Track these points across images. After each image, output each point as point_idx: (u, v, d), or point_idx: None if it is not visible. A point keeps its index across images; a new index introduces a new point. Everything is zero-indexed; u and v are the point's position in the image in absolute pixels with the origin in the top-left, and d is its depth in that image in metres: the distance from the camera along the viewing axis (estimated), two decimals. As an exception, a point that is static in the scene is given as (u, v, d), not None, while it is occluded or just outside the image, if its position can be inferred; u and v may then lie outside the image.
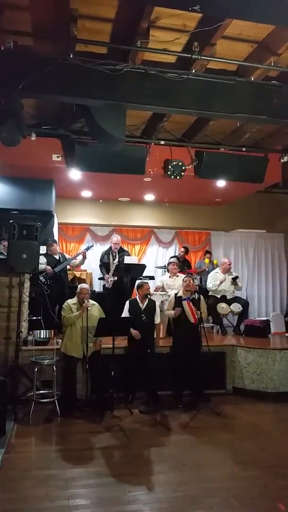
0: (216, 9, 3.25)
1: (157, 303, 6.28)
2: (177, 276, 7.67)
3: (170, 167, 6.37)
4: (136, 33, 3.98)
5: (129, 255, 8.34)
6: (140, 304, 5.97)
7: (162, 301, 6.86)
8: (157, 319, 6.08)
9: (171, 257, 9.10)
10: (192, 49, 4.11)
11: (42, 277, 6.99)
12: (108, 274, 7.74)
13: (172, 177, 6.37)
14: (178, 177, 6.40)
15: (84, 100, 4.49)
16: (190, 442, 4.64)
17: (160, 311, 6.33)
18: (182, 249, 9.57)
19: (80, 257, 7.51)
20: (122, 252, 7.96)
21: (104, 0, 3.68)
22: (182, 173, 6.40)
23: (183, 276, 7.51)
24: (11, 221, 5.55)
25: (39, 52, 4.22)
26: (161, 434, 4.86)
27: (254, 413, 5.62)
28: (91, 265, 8.98)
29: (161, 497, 3.51)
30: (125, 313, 5.99)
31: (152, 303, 6.05)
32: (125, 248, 9.93)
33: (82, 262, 7.72)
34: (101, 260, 7.96)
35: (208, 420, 5.27)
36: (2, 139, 4.54)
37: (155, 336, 6.04)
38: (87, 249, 7.93)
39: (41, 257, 6.87)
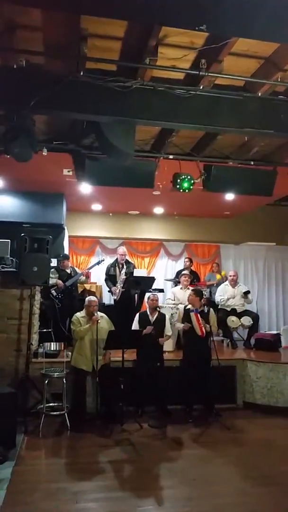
0: (222, 28, 3.33)
1: (167, 316, 6.29)
2: (188, 288, 7.69)
3: (178, 181, 6.40)
4: (144, 50, 4.06)
5: (135, 267, 8.40)
6: (150, 317, 5.98)
7: (172, 314, 6.86)
8: (168, 333, 6.08)
9: (183, 270, 9.09)
10: (200, 66, 4.19)
11: (53, 291, 7.05)
12: (115, 286, 7.77)
13: (181, 190, 6.41)
14: (187, 191, 6.43)
15: (94, 116, 4.58)
16: (200, 457, 4.60)
17: (170, 324, 6.33)
18: (187, 259, 9.56)
19: (83, 277, 7.58)
20: (128, 264, 8.01)
21: (114, 20, 3.77)
22: (191, 187, 6.43)
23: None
24: (22, 234, 5.63)
25: (50, 70, 4.33)
26: (170, 448, 4.83)
27: (264, 427, 5.56)
28: (101, 278, 9.02)
29: (170, 512, 3.49)
30: (135, 326, 6.01)
31: (162, 316, 6.07)
32: (135, 260, 10.00)
33: (85, 281, 7.82)
34: (106, 274, 8.00)
35: (218, 434, 5.23)
36: (14, 154, 4.63)
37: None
38: (98, 263, 8.00)
39: (53, 271, 6.96)
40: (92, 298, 5.89)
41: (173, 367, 6.05)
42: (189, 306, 6.04)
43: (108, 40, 4.12)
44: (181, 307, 7.10)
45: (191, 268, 9.47)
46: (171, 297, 7.75)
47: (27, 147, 4.57)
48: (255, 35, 3.42)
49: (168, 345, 6.53)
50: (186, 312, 5.98)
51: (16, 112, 4.38)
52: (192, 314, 5.83)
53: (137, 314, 6.22)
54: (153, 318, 5.99)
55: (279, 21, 3.06)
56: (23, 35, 3.97)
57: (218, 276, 9.37)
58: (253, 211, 9.26)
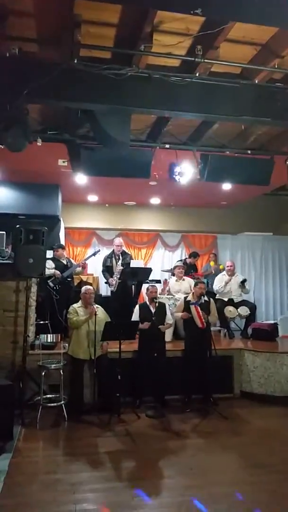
0: (218, 12, 3.27)
1: (166, 306, 6.30)
2: (183, 279, 7.66)
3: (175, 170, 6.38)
4: (139, 37, 3.99)
5: (131, 258, 8.36)
6: (151, 308, 5.98)
7: (168, 305, 6.84)
8: (169, 321, 6.10)
9: (177, 261, 9.07)
10: (196, 53, 4.12)
11: (50, 282, 7.02)
12: (112, 277, 7.74)
13: (178, 180, 6.38)
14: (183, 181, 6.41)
15: (88, 105, 4.52)
16: (197, 447, 4.61)
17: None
18: (191, 258, 9.35)
19: (79, 269, 7.56)
20: (125, 254, 7.97)
21: (108, 5, 3.69)
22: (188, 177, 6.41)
23: (190, 280, 7.52)
24: (17, 225, 5.58)
25: (44, 58, 4.26)
26: (168, 438, 4.84)
27: (262, 417, 5.57)
28: (98, 269, 8.98)
29: (168, 502, 3.50)
30: (135, 317, 5.99)
31: (162, 306, 6.08)
32: (131, 252, 9.96)
33: (81, 272, 7.79)
34: (103, 265, 7.96)
35: (216, 424, 5.24)
36: (8, 144, 4.57)
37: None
38: (94, 254, 7.95)
39: (50, 262, 6.91)
40: (89, 286, 5.95)
41: (172, 358, 6.04)
42: (190, 298, 6.03)
43: (102, 26, 4.04)
44: (177, 297, 7.10)
45: (195, 263, 9.36)
46: (167, 289, 7.73)
47: (21, 137, 4.51)
48: (251, 18, 3.36)
49: (166, 336, 6.53)
50: (187, 304, 5.98)
51: (9, 101, 4.31)
52: (192, 307, 5.83)
53: (137, 306, 6.21)
54: (153, 308, 5.98)
55: (275, 4, 3.00)
56: (15, 21, 3.89)
57: (212, 263, 9.39)
58: (250, 201, 9.22)
